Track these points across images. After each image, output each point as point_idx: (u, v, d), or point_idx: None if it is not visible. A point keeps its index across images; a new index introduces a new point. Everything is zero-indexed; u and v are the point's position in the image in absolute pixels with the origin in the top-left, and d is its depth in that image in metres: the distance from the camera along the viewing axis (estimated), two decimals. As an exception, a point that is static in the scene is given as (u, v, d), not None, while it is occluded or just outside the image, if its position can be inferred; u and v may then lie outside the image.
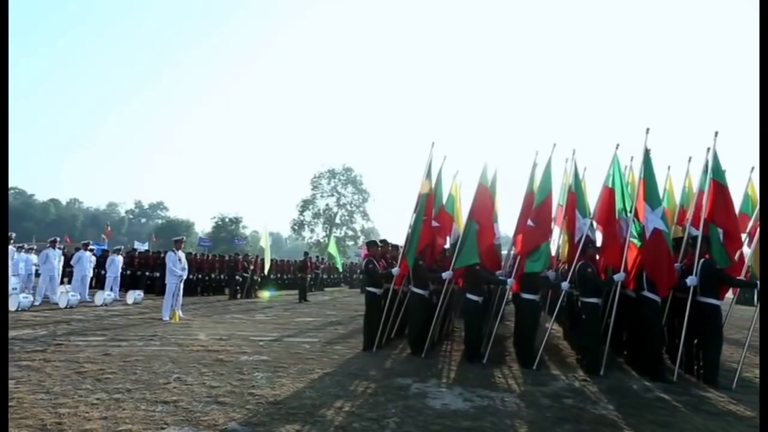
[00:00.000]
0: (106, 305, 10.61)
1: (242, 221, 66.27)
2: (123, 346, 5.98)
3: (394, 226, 55.68)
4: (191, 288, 15.02)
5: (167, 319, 8.59)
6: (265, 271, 14.94)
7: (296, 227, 59.65)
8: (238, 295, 14.31)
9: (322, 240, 59.05)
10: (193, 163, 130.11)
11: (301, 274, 14.42)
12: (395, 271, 6.06)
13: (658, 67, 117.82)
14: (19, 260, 10.56)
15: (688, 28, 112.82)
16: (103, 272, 13.56)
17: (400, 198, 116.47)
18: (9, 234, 9.85)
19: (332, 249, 19.77)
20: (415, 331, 6.12)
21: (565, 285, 5.56)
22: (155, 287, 14.37)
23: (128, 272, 14.61)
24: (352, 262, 28.12)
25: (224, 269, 15.96)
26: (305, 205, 59.06)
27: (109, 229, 25.50)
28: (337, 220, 59.87)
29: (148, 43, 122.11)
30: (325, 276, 21.82)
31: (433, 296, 6.42)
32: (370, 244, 6.69)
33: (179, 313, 8.78)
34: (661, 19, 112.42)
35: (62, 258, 11.22)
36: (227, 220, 63.60)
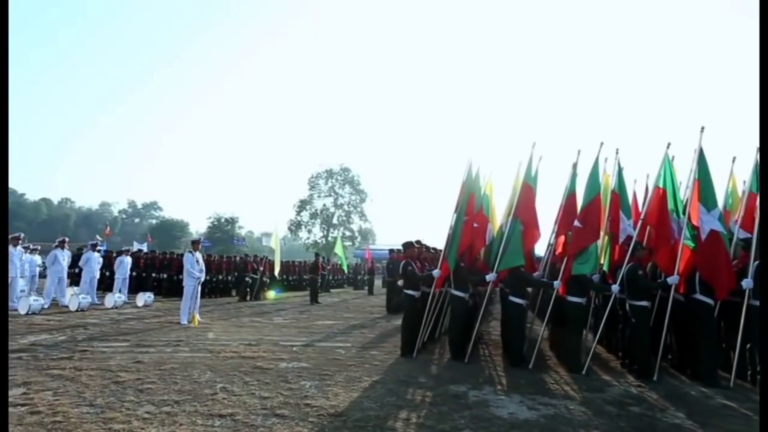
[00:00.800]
0: (116, 308, 10.28)
1: (238, 221, 65.58)
2: (151, 352, 5.70)
3: (391, 227, 55.61)
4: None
5: (186, 323, 8.30)
6: (276, 273, 14.63)
7: (293, 228, 59.29)
8: (248, 297, 14.01)
9: (319, 241, 58.77)
10: (188, 163, 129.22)
11: (312, 276, 14.14)
12: (436, 273, 5.86)
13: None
14: (25, 261, 10.18)
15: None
16: (107, 273, 13.20)
17: (398, 199, 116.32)
18: (18, 235, 9.50)
19: (339, 250, 19.50)
20: (456, 335, 5.92)
21: (615, 288, 5.39)
22: (162, 289, 14.05)
23: (134, 273, 14.24)
24: (356, 263, 27.86)
25: (231, 270, 15.67)
26: (302, 205, 58.72)
27: (108, 229, 24.91)
28: (335, 221, 59.59)
29: (144, 42, 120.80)
30: (330, 277, 21.57)
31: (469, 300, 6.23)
32: (407, 246, 6.47)
33: (198, 316, 8.48)
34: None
35: (70, 259, 10.85)
36: (223, 220, 62.90)
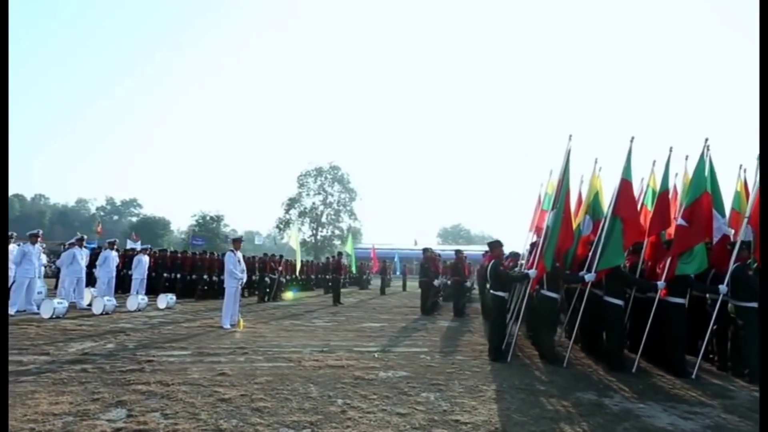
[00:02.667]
0: (140, 310, 9.55)
1: (224, 219, 63.94)
2: (224, 362, 5.15)
3: (380, 226, 55.26)
4: (215, 291, 13.97)
5: (228, 327, 7.71)
6: (296, 273, 14.04)
7: (281, 226, 58.19)
8: (266, 298, 13.39)
9: (308, 240, 57.85)
10: (169, 160, 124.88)
11: (335, 276, 13.64)
12: (532, 273, 5.52)
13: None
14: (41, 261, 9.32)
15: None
16: (124, 273, 12.35)
17: (385, 198, 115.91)
18: (36, 232, 8.69)
19: (350, 249, 18.99)
20: (550, 339, 5.61)
21: (723, 288, 5.18)
22: (175, 290, 13.23)
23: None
24: (361, 263, 27.33)
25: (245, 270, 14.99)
26: (291, 203, 57.69)
27: (99, 227, 23.61)
28: (323, 219, 58.81)
29: (125, 37, 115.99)
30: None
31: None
32: (495, 245, 6.11)
33: (242, 320, 7.89)
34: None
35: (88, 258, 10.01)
36: (208, 218, 61.16)
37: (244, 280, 8.22)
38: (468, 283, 13.81)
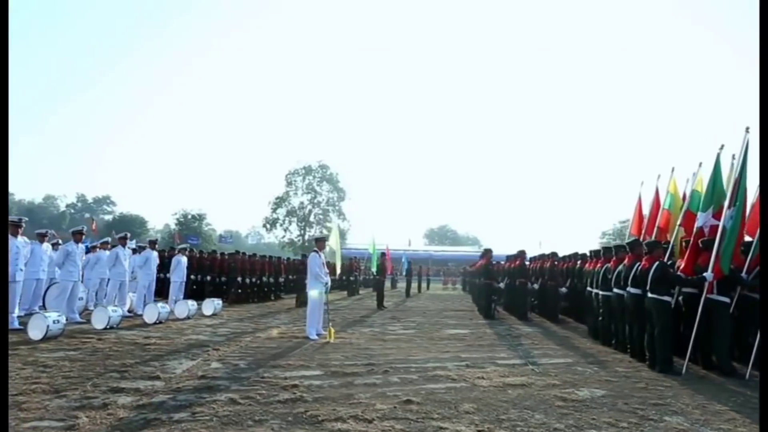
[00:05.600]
0: (189, 318, 8.47)
1: (206, 218, 61.50)
2: (381, 384, 4.32)
3: (367, 227, 54.45)
4: (249, 294, 12.89)
5: (316, 337, 6.83)
6: (337, 274, 13.09)
7: (268, 225, 56.46)
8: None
9: (296, 239, 56.36)
10: (145, 157, 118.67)
11: (380, 278, 12.84)
12: (708, 275, 4.98)
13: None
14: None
15: None
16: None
17: (373, 198, 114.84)
18: (80, 228, 7.50)
19: (373, 249, 18.13)
20: (724, 348, 5.09)
21: (708, 275, 4.93)
22: (204, 293, 12.07)
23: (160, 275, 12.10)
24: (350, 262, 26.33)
25: (272, 272, 13.96)
26: (279, 202, 56.07)
27: (94, 224, 21.67)
28: (311, 219, 57.49)
29: (104, 28, 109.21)
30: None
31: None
32: (654, 245, 5.52)
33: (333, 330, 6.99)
34: None
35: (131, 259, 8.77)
36: (190, 216, 58.61)
37: (329, 285, 7.33)
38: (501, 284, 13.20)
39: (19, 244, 6.36)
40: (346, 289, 18.79)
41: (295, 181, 58.11)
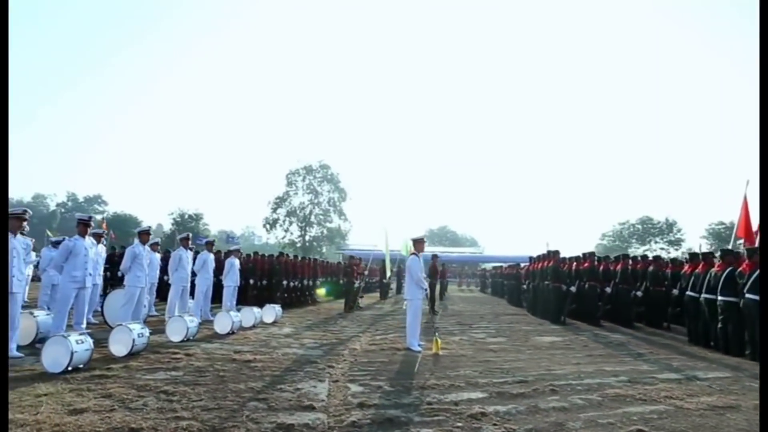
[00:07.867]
0: (255, 326, 7.73)
1: (203, 218, 60.15)
2: (571, 409, 3.71)
3: (366, 227, 53.78)
4: (295, 299, 12.13)
5: (418, 348, 6.16)
6: (387, 277, 12.45)
7: (268, 225, 55.44)
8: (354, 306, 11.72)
9: (296, 240, 55.41)
10: (138, 156, 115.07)
11: (432, 281, 12.18)
12: None
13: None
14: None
15: None
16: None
17: (373, 198, 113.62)
18: (146, 229, 6.72)
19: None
20: None
21: None
22: (248, 297, 11.25)
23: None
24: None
25: (310, 275, 13.23)
26: (279, 202, 55.06)
27: (104, 223, 20.52)
28: (312, 219, 56.60)
29: (96, 21, 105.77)
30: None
31: None
32: (754, 252, 5.01)
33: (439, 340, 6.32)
34: None
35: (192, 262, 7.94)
36: (187, 216, 57.18)
37: (428, 291, 6.66)
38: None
39: (87, 245, 5.55)
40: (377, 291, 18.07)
41: (295, 180, 57.26)
